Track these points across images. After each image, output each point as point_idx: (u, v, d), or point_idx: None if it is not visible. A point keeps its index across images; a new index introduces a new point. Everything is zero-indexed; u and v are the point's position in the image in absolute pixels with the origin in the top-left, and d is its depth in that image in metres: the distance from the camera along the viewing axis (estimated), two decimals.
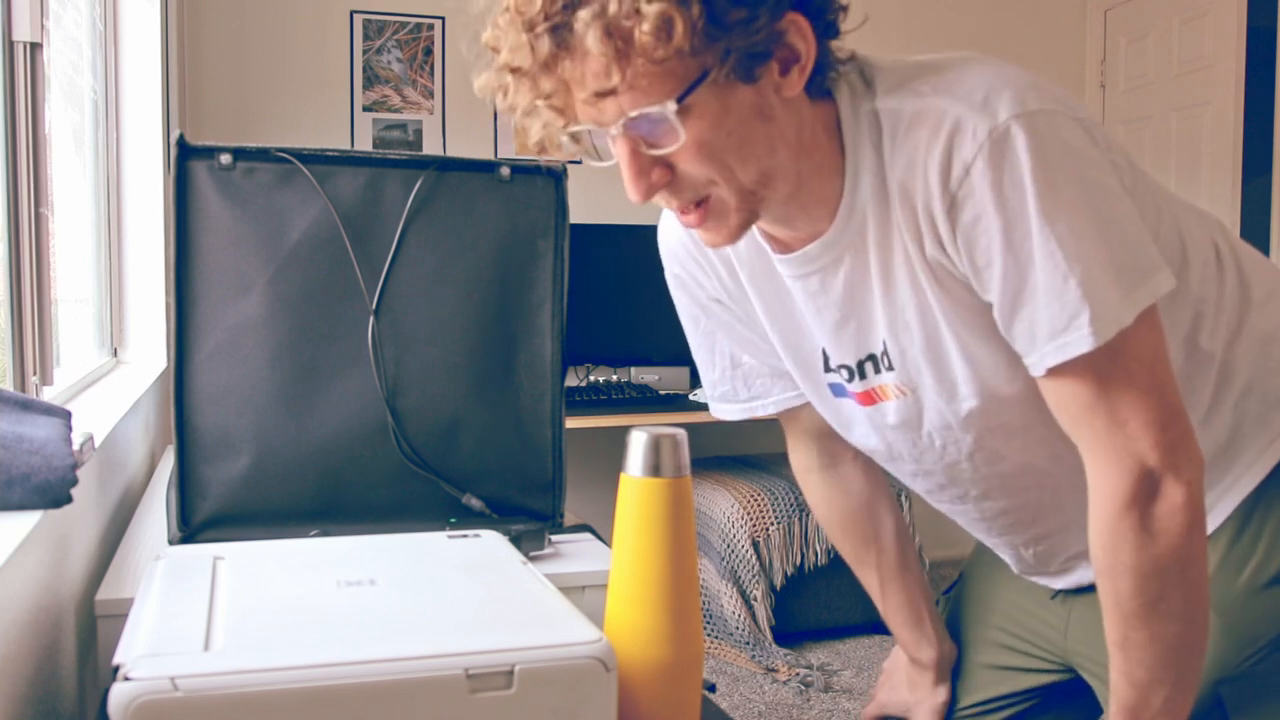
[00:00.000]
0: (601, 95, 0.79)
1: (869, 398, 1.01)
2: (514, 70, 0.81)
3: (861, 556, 1.22)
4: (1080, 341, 0.82)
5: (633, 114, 0.80)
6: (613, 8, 0.76)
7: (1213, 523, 0.98)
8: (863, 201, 0.90)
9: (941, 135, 0.83)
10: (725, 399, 1.16)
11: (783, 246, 0.98)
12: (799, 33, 0.84)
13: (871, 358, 0.98)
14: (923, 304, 0.91)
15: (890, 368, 0.97)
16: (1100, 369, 0.84)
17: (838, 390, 1.05)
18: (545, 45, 0.78)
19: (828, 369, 1.04)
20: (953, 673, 1.25)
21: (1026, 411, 0.91)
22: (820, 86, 0.89)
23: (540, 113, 0.83)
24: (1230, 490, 0.98)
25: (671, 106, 0.79)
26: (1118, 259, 0.82)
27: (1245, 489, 0.98)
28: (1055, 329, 0.83)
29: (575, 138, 0.85)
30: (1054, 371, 0.85)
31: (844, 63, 0.90)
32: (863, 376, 1.00)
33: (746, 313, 1.08)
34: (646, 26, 0.76)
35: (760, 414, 1.16)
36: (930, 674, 1.24)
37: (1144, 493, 0.85)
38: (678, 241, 1.09)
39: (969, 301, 0.89)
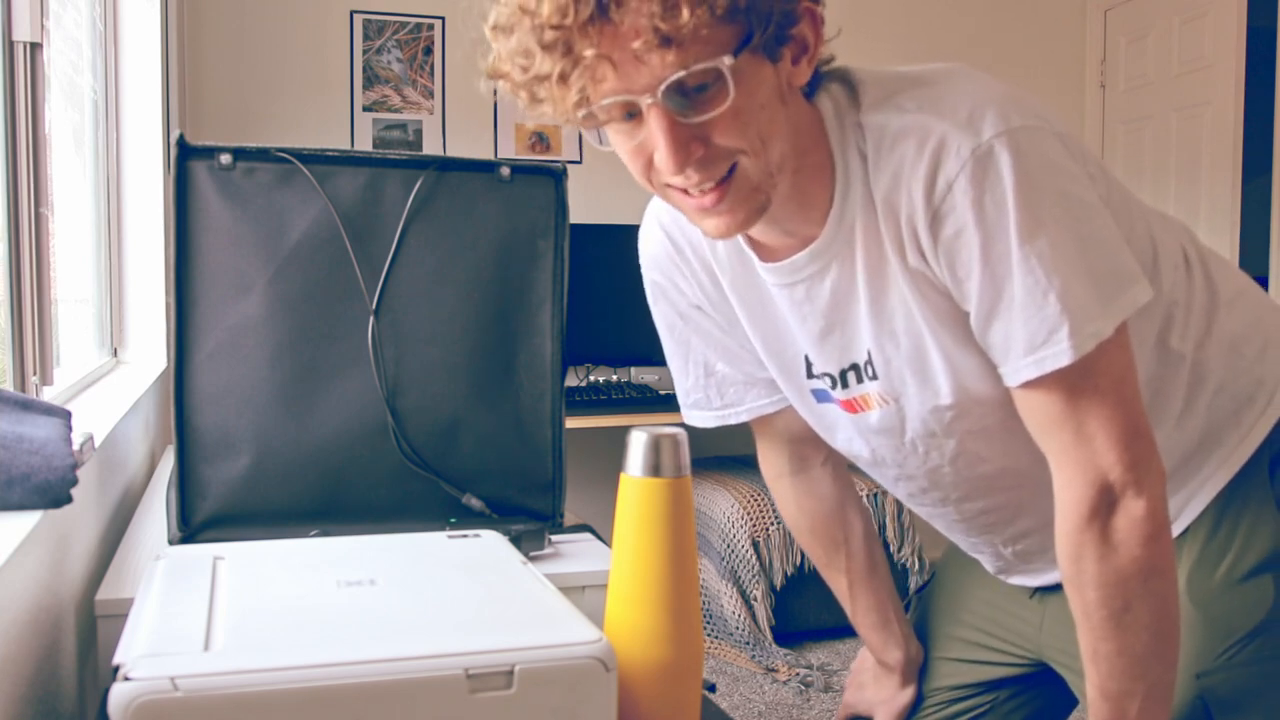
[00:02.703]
0: (661, 44, 0.76)
1: (851, 407, 1.02)
2: (553, 28, 0.77)
3: (830, 560, 1.23)
4: (1060, 355, 0.83)
5: (695, 67, 0.78)
6: None
7: (1188, 518, 1.00)
8: (851, 211, 0.91)
9: (926, 152, 0.85)
10: (698, 406, 1.17)
11: (769, 254, 0.98)
12: (811, 22, 0.85)
13: (855, 367, 0.99)
14: (907, 312, 0.92)
15: (874, 377, 0.98)
16: (1072, 384, 0.85)
17: (821, 396, 1.05)
18: (589, 0, 0.76)
19: (810, 375, 1.04)
20: (920, 672, 1.26)
21: (1008, 416, 0.92)
22: (811, 91, 0.90)
23: (571, 80, 0.79)
24: (1204, 486, 1.00)
25: (728, 60, 0.79)
26: (1097, 271, 0.84)
27: (1219, 484, 0.99)
28: (1034, 343, 0.84)
29: (592, 116, 0.82)
30: (1028, 384, 0.86)
31: (827, 62, 0.91)
32: (845, 385, 1.01)
33: (728, 319, 1.08)
34: None
35: (733, 421, 1.16)
36: (896, 676, 1.25)
37: (1105, 505, 0.87)
38: (659, 248, 1.09)
39: (950, 309, 0.90)
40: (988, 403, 0.93)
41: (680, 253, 1.07)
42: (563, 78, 0.79)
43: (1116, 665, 0.89)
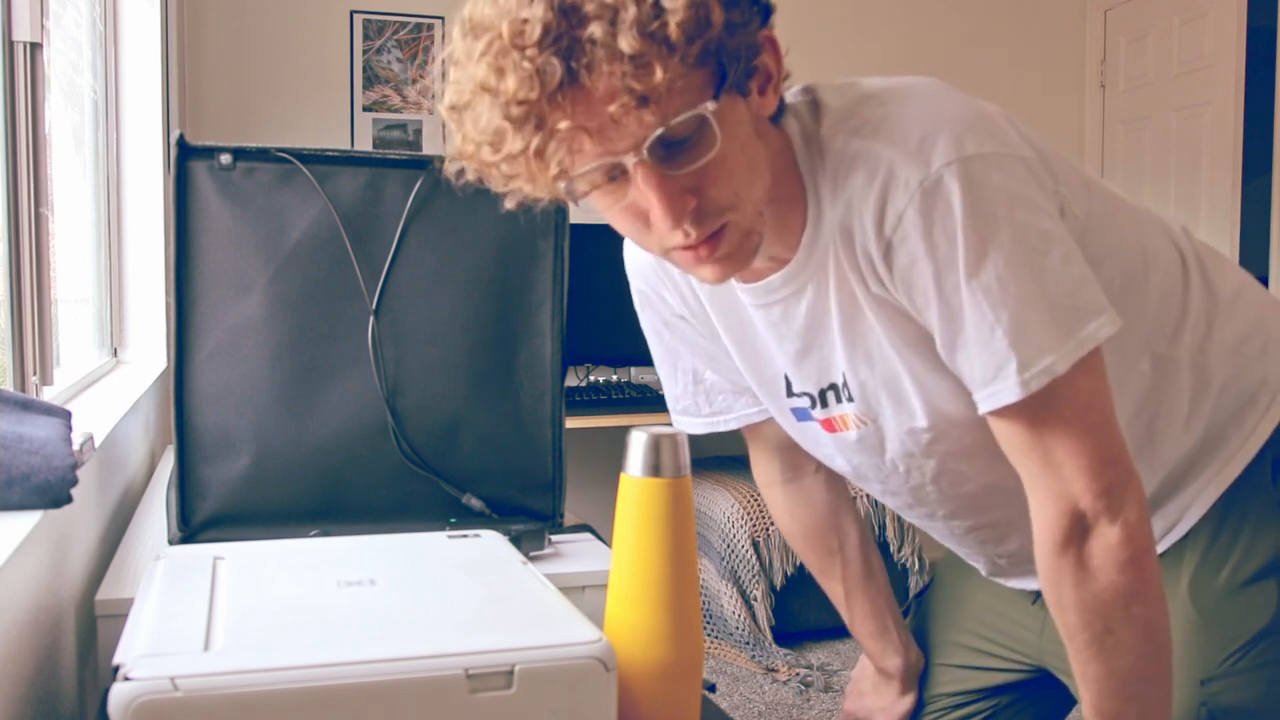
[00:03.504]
0: (638, 104, 0.73)
1: (831, 426, 1.01)
2: (520, 104, 0.73)
3: (826, 568, 1.22)
4: (1008, 391, 0.82)
5: (676, 120, 0.75)
6: (632, 10, 0.72)
7: (1189, 522, 0.99)
8: (824, 234, 0.89)
9: (876, 182, 0.83)
10: (687, 413, 1.15)
11: (747, 273, 0.96)
12: (772, 50, 0.84)
13: (833, 387, 0.98)
14: (877, 337, 0.91)
15: (850, 399, 0.97)
16: (1033, 414, 0.83)
17: (801, 415, 1.04)
18: (555, 69, 0.72)
19: (790, 394, 1.03)
20: (920, 679, 1.25)
21: (987, 437, 0.90)
22: (777, 115, 0.88)
23: (548, 154, 0.75)
24: (1206, 489, 0.99)
25: (710, 106, 0.76)
26: (1055, 305, 0.81)
27: (1221, 487, 0.98)
28: (985, 377, 0.83)
29: (573, 186, 0.79)
30: (991, 413, 0.85)
31: (785, 78, 0.88)
32: (824, 405, 1.00)
33: (710, 331, 1.07)
34: (681, 18, 0.72)
35: (722, 429, 1.15)
36: (896, 683, 1.24)
37: (1078, 532, 0.85)
38: (643, 258, 1.08)
39: (918, 334, 0.89)
40: (964, 424, 0.92)
41: (662, 265, 1.05)
42: (539, 153, 0.75)
43: (1106, 686, 0.88)
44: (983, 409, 0.85)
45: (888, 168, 0.82)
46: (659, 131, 0.75)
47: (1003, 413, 0.84)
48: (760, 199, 0.84)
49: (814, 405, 1.01)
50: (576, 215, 1.27)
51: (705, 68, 0.76)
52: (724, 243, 0.83)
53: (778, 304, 0.95)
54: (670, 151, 0.77)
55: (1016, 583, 1.14)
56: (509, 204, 0.83)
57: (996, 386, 0.83)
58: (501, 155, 0.76)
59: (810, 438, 1.07)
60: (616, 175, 0.79)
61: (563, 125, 0.74)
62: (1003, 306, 0.81)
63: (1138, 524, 0.85)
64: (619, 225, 0.86)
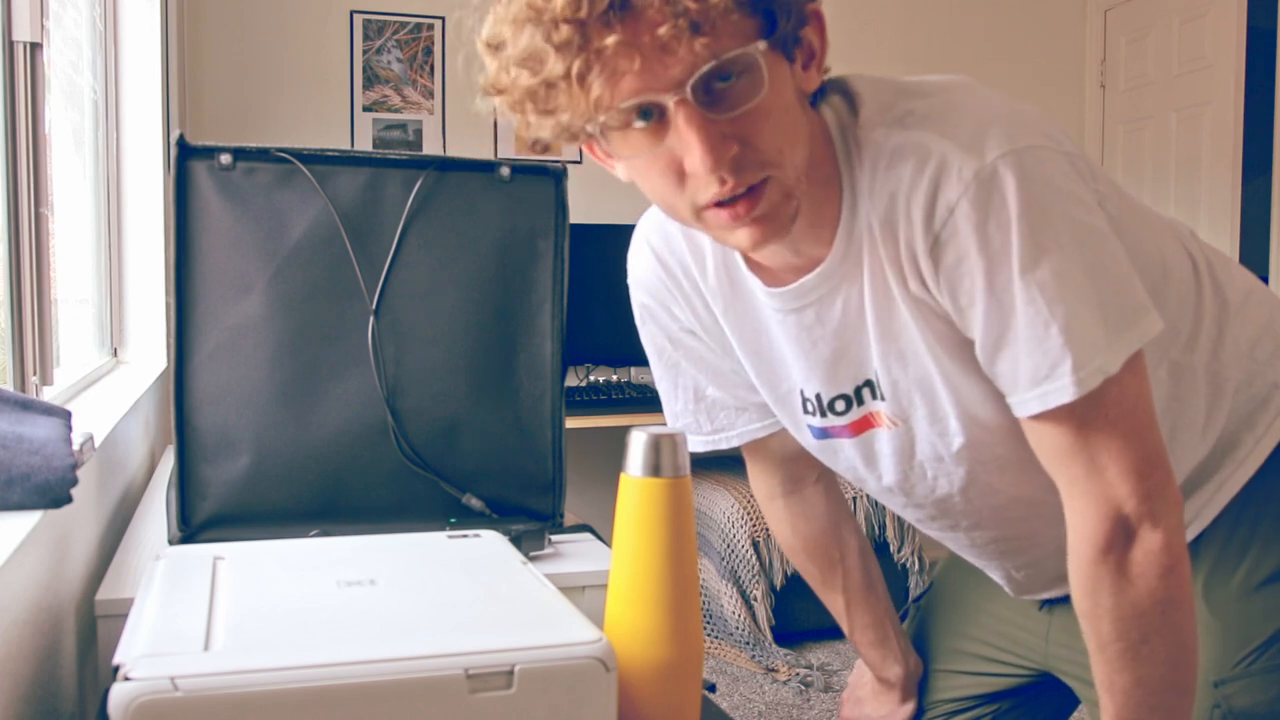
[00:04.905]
0: (691, 30, 0.71)
1: (864, 424, 0.99)
2: (567, 22, 0.71)
3: (827, 580, 1.21)
4: (1062, 391, 0.80)
5: (727, 55, 0.73)
6: None
7: (1202, 523, 0.98)
8: (859, 229, 0.87)
9: (926, 174, 0.81)
10: (687, 431, 1.13)
11: (771, 278, 0.94)
12: (818, 25, 0.82)
13: (868, 384, 0.96)
14: (911, 337, 0.89)
15: (882, 398, 0.95)
16: (1081, 415, 0.82)
17: (818, 434, 1.03)
18: None
19: (805, 411, 1.01)
20: (920, 685, 1.24)
21: (1019, 445, 0.89)
22: (814, 102, 0.87)
23: (590, 79, 0.72)
24: (1220, 491, 0.98)
25: (761, 46, 0.74)
26: (1105, 302, 0.80)
27: (1234, 489, 0.98)
28: (1037, 376, 0.81)
29: (607, 124, 0.76)
30: (1035, 416, 0.83)
31: (825, 71, 0.87)
32: (860, 403, 0.97)
33: (721, 345, 1.05)
34: None
35: (724, 446, 1.13)
36: (896, 691, 1.23)
37: (1121, 538, 0.83)
38: (649, 271, 1.05)
39: (954, 336, 0.87)
40: (996, 431, 0.91)
41: (672, 276, 1.03)
42: (580, 77, 0.72)
43: (1133, 696, 0.86)
44: (1028, 411, 0.83)
45: (940, 158, 0.80)
46: (709, 66, 0.73)
47: (1051, 415, 0.82)
48: (800, 166, 0.81)
49: (849, 406, 0.98)
50: (576, 215, 1.27)
51: (755, 16, 0.75)
52: (763, 200, 0.80)
53: (810, 306, 0.93)
54: (714, 95, 0.75)
55: (1031, 597, 1.13)
56: (535, 149, 0.82)
57: (1049, 386, 0.80)
58: (540, 78, 0.74)
59: (829, 452, 1.04)
60: (653, 115, 0.76)
61: (610, 41, 0.71)
62: (1059, 303, 0.78)
63: (1178, 529, 0.83)
64: (649, 182, 0.83)
